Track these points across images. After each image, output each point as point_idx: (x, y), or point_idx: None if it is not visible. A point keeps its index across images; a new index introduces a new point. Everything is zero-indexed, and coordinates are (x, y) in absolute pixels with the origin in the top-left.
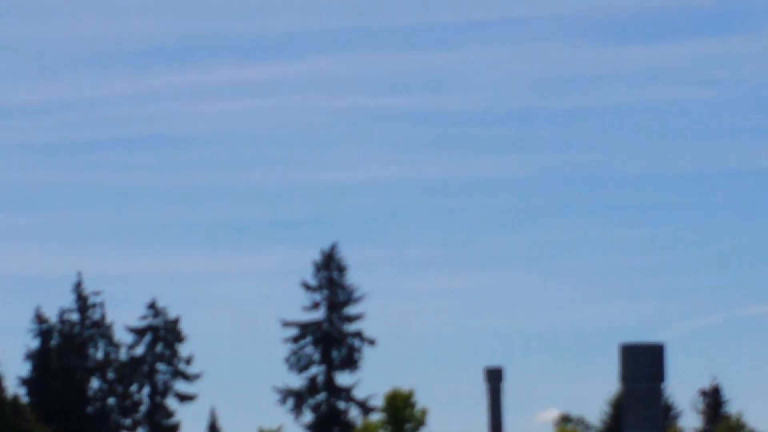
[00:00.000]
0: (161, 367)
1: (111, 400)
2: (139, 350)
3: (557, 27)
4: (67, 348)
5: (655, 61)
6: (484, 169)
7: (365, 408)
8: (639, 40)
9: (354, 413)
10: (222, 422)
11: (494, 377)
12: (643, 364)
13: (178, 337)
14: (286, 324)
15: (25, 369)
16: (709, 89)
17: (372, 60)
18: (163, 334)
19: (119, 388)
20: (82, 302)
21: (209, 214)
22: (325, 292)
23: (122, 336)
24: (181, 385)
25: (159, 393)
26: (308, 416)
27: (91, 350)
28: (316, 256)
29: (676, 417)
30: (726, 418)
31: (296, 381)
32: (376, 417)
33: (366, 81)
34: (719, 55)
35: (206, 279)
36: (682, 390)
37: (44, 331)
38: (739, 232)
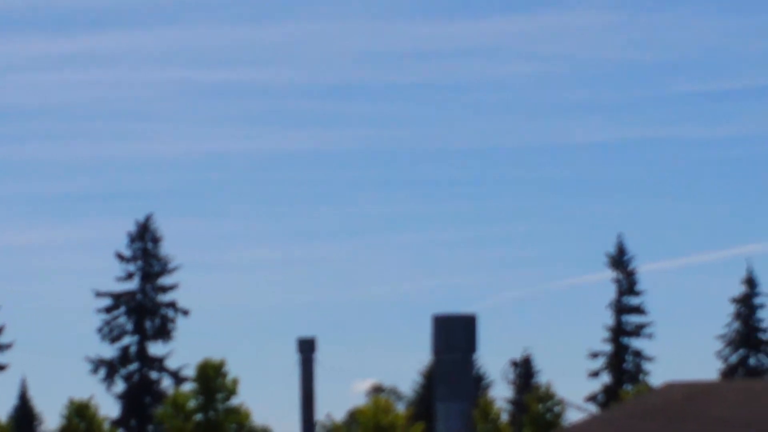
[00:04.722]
0: None
1: None
2: None
3: (384, 1)
4: None
5: (479, 37)
6: (302, 142)
7: (177, 378)
8: (463, 16)
9: (166, 383)
10: (33, 392)
11: (306, 347)
12: (454, 336)
13: None
14: (99, 294)
15: None
16: (532, 65)
17: (190, 33)
18: None
19: None
20: None
21: (22, 186)
22: (140, 262)
23: None
24: None
25: None
26: (120, 386)
27: None
28: (131, 227)
29: (487, 387)
30: (536, 388)
31: (109, 351)
32: (187, 387)
33: (184, 54)
34: (541, 32)
35: (19, 250)
36: (493, 361)
37: None
38: (552, 205)
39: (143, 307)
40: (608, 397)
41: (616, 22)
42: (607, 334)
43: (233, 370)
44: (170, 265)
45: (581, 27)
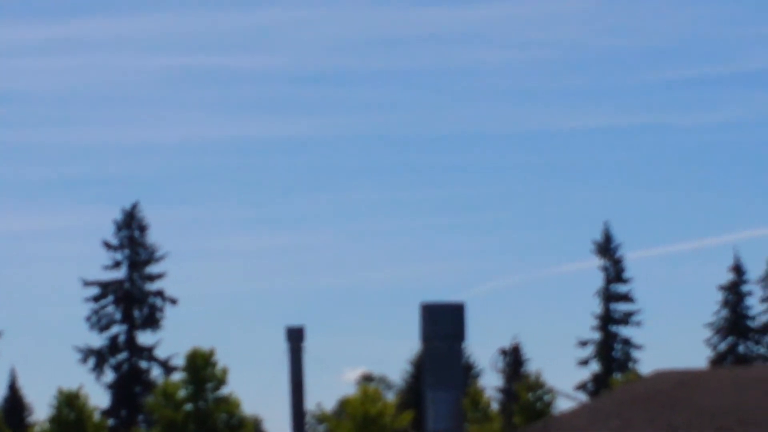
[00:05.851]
0: None
1: None
2: None
3: None
4: None
5: (466, 23)
6: (288, 129)
7: (167, 367)
8: (446, 2)
9: (156, 373)
10: (22, 381)
11: (295, 336)
12: (443, 324)
13: None
14: (87, 283)
15: None
16: (519, 51)
17: (178, 19)
18: None
19: None
20: None
21: (6, 173)
22: (127, 251)
23: None
24: None
25: None
26: (110, 376)
27: None
28: (118, 216)
29: (476, 376)
30: (525, 377)
31: (97, 340)
32: (177, 376)
33: (171, 40)
34: (528, 18)
35: (5, 238)
36: (482, 349)
37: None
38: (538, 192)
39: (131, 296)
40: (598, 386)
41: (602, 9)
42: (595, 322)
43: (222, 359)
44: (157, 254)
45: (567, 13)
